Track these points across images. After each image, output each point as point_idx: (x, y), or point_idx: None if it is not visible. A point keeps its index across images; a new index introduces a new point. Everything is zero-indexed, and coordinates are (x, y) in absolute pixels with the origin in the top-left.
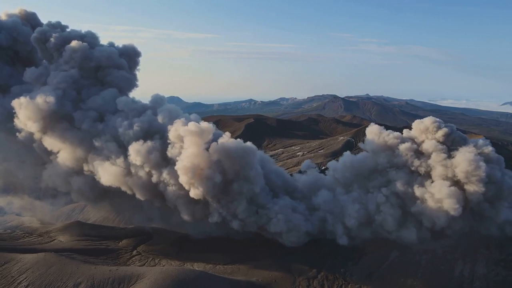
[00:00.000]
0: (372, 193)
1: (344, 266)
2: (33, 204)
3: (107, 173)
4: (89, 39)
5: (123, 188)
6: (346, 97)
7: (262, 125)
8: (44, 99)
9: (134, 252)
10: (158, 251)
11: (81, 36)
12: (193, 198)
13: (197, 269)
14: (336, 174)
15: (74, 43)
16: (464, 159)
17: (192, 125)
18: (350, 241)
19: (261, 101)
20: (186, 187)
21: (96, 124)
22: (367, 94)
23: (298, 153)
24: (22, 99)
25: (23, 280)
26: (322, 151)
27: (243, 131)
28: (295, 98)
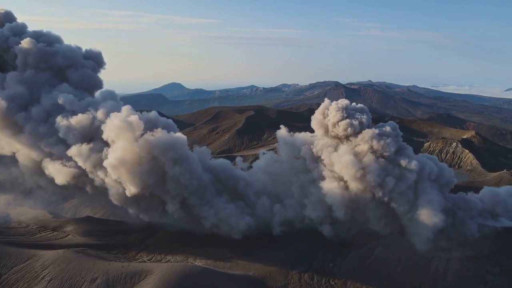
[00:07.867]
0: (292, 195)
1: (333, 261)
2: (20, 200)
3: (59, 173)
4: (48, 38)
5: (80, 186)
6: (348, 83)
7: (262, 117)
8: None
9: (142, 246)
10: (163, 246)
11: (37, 36)
12: (133, 197)
13: (199, 264)
14: (261, 174)
15: (25, 44)
16: (336, 158)
17: (116, 119)
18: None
19: (263, 88)
20: (122, 185)
21: (40, 126)
22: (369, 81)
23: None
24: None
25: (46, 275)
26: None
27: (244, 124)
28: (297, 85)
